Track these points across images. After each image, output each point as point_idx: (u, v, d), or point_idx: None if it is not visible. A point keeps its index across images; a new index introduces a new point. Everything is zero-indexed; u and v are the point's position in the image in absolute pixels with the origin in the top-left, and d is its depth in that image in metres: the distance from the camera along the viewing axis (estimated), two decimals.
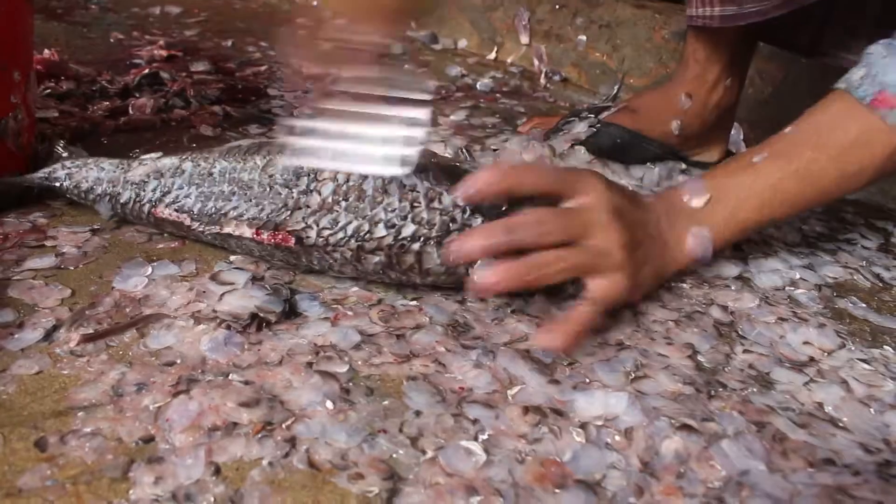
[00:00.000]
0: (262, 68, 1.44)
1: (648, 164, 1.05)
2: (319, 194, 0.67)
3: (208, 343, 0.61)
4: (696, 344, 0.68)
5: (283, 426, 0.53)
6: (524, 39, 1.61)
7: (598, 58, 1.49)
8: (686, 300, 0.75)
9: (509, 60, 1.65)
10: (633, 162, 1.05)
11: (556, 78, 1.54)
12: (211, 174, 0.72)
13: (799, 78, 1.26)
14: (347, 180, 0.67)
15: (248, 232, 0.69)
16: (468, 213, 0.66)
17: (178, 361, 0.59)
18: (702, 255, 0.72)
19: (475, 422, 0.55)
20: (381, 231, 0.65)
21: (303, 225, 0.66)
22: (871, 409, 0.61)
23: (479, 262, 0.63)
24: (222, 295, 0.66)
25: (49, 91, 1.15)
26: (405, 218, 0.65)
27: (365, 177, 0.66)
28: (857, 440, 0.57)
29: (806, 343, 0.69)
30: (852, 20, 0.94)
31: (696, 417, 0.57)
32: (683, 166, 1.07)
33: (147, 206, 0.74)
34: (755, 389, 0.62)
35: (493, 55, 1.67)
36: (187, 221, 0.72)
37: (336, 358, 0.60)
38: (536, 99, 1.44)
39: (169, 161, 0.75)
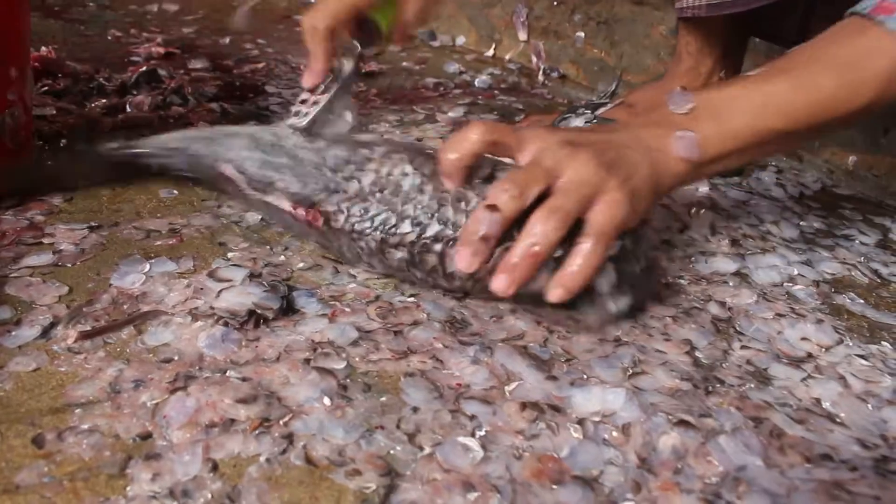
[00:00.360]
0: (260, 65, 1.43)
1: None
2: (359, 182, 0.68)
3: (206, 340, 0.61)
4: (693, 340, 0.68)
5: (281, 422, 0.53)
6: (522, 36, 1.61)
7: (596, 54, 1.49)
8: (684, 296, 0.75)
9: (507, 57, 1.64)
10: None
11: (555, 74, 1.54)
12: (279, 145, 0.75)
13: None
14: (390, 174, 0.67)
15: (286, 205, 0.71)
16: None
17: (176, 358, 0.59)
18: (689, 155, 0.68)
19: (472, 418, 0.55)
20: (405, 227, 0.65)
21: (335, 208, 0.68)
22: (869, 405, 0.61)
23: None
24: (220, 292, 0.66)
25: (46, 88, 1.14)
26: (431, 217, 0.65)
27: (406, 174, 0.67)
28: (854, 436, 0.57)
29: (804, 339, 0.69)
30: (835, 10, 0.95)
31: (693, 413, 0.57)
32: None
33: (215, 162, 0.77)
34: (753, 385, 0.62)
35: (491, 52, 1.67)
36: (241, 183, 0.75)
37: (333, 354, 0.60)
38: (534, 95, 1.43)
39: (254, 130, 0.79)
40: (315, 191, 0.69)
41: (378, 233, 0.66)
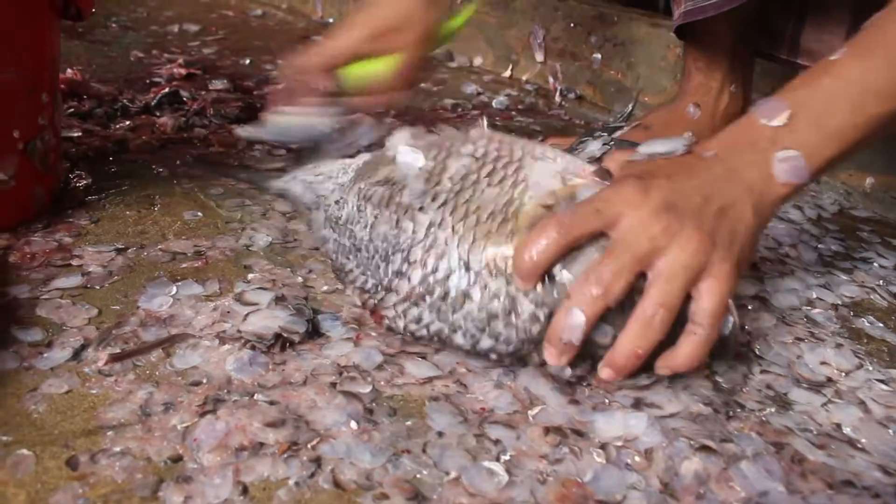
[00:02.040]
0: (280, 86, 1.45)
1: None
2: (409, 281, 0.63)
3: (233, 363, 0.62)
4: (713, 364, 0.68)
5: (309, 446, 0.54)
6: (539, 57, 1.62)
7: (612, 76, 1.50)
8: None
9: (524, 78, 1.66)
10: None
11: (572, 96, 1.55)
12: (339, 220, 0.70)
13: None
14: (436, 269, 0.63)
15: (358, 301, 0.69)
16: (544, 322, 0.61)
17: (205, 381, 0.60)
18: (796, 180, 0.62)
19: (497, 442, 0.56)
20: (459, 339, 0.63)
21: (393, 313, 0.65)
22: (890, 431, 0.61)
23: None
24: (246, 315, 0.67)
25: (72, 110, 1.17)
26: (482, 331, 0.62)
27: (452, 270, 0.62)
28: (875, 462, 0.57)
29: (823, 363, 0.70)
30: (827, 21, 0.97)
31: (714, 438, 0.58)
32: None
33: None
34: (773, 410, 0.63)
35: (508, 73, 1.68)
36: (332, 265, 0.72)
37: (359, 378, 0.61)
38: (552, 117, 1.44)
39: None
40: (374, 287, 0.66)
41: (434, 340, 0.65)
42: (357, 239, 0.67)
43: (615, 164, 0.66)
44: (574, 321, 0.57)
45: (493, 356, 0.63)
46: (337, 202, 0.71)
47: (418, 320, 0.63)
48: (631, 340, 0.57)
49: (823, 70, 0.65)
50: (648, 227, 0.57)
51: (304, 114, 0.85)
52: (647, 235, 0.57)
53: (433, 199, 0.64)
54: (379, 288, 0.65)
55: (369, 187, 0.68)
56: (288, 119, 0.86)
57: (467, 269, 0.61)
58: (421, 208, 0.64)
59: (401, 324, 0.64)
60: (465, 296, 0.61)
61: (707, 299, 0.58)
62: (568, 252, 0.59)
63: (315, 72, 0.85)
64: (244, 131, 0.91)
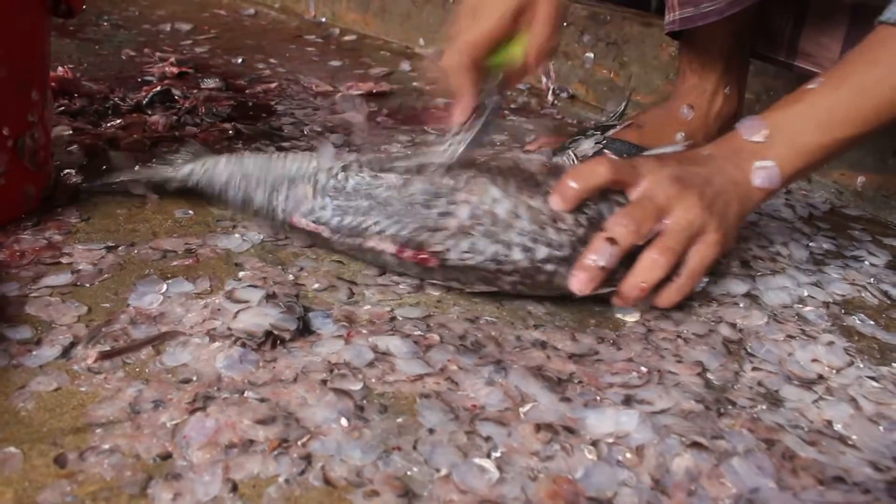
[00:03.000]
0: (273, 85, 1.45)
1: None
2: (456, 217, 0.70)
3: (224, 360, 0.61)
4: (705, 361, 0.68)
5: (299, 443, 0.54)
6: None
7: (605, 75, 1.50)
8: (695, 318, 0.75)
9: None
10: None
11: (564, 95, 1.55)
12: (344, 188, 0.75)
13: None
14: (482, 202, 0.71)
15: (390, 248, 0.72)
16: (587, 226, 0.71)
17: (194, 379, 0.60)
18: (769, 185, 0.74)
19: (488, 439, 0.56)
20: (517, 255, 0.70)
21: (443, 247, 0.70)
22: (881, 427, 0.61)
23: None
24: (237, 312, 0.67)
25: (63, 108, 1.16)
26: (536, 241, 0.70)
27: (496, 199, 0.71)
28: (866, 458, 0.58)
29: (814, 360, 0.70)
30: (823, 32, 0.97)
31: (706, 435, 0.58)
32: None
33: (281, 213, 0.78)
34: (764, 407, 0.63)
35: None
36: (325, 233, 0.76)
37: (350, 376, 0.61)
38: (544, 116, 1.45)
39: (300, 168, 0.79)
40: (415, 230, 0.71)
41: (492, 264, 0.70)
42: (381, 199, 0.73)
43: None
44: (609, 248, 0.69)
45: (550, 267, 0.70)
46: (335, 176, 0.76)
47: (472, 247, 0.70)
48: (638, 275, 0.71)
49: (800, 97, 0.76)
50: (666, 187, 0.72)
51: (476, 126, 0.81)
52: (665, 194, 0.71)
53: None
54: (422, 230, 0.71)
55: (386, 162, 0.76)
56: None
57: (508, 196, 0.71)
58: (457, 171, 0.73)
59: (454, 255, 0.70)
60: (514, 215, 0.70)
61: (694, 260, 0.72)
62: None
63: (465, 72, 0.80)
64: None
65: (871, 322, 0.78)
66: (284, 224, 0.79)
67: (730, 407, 0.62)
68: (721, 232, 0.72)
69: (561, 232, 0.70)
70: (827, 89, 0.74)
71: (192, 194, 0.86)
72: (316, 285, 0.74)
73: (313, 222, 0.76)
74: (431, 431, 0.56)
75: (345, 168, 0.77)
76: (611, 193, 0.73)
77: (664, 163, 0.74)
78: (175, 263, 0.77)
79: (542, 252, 0.70)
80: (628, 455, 0.55)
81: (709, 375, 0.66)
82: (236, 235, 0.83)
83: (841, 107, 0.73)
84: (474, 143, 0.78)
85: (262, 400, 0.57)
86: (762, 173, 0.74)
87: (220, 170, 0.83)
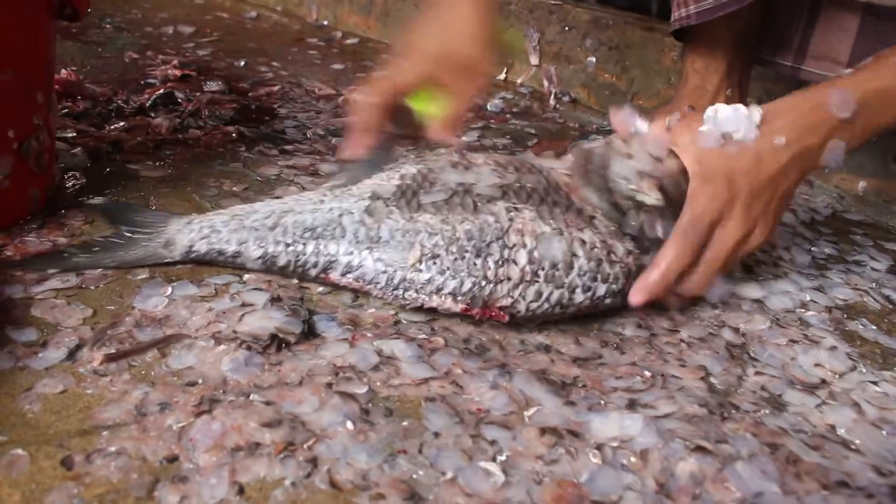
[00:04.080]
0: (275, 88, 1.45)
1: None
2: (516, 264, 0.68)
3: (229, 363, 0.61)
4: (708, 366, 0.68)
5: (305, 446, 0.54)
6: (534, 60, 1.62)
7: (607, 79, 1.50)
8: (698, 322, 0.75)
9: (519, 81, 1.66)
10: None
11: (566, 99, 1.55)
12: (379, 238, 0.71)
13: None
14: (537, 244, 0.69)
15: (455, 307, 0.69)
16: (636, 253, 0.72)
17: (200, 381, 0.60)
18: (834, 164, 0.73)
19: (493, 443, 0.56)
20: (579, 296, 0.70)
21: (511, 300, 0.68)
22: (884, 432, 0.62)
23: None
24: (242, 316, 0.67)
25: (66, 111, 1.16)
26: (595, 279, 0.70)
27: (548, 238, 0.69)
28: (869, 462, 0.58)
29: (817, 365, 0.70)
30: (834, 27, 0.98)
31: (710, 439, 0.58)
32: None
33: (313, 270, 0.73)
34: (768, 411, 0.63)
35: (503, 76, 1.69)
36: (374, 291, 0.71)
37: (355, 379, 0.61)
38: (546, 120, 1.45)
39: (315, 215, 0.73)
40: (475, 283, 0.68)
41: (557, 309, 0.70)
42: (426, 248, 0.69)
43: (687, 134, 0.73)
44: (663, 275, 0.70)
45: (609, 301, 0.71)
46: (363, 223, 0.72)
47: (538, 296, 0.68)
48: (688, 288, 0.72)
49: (876, 72, 0.73)
50: (718, 200, 0.70)
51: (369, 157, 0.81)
52: (718, 210, 0.70)
53: (500, 189, 0.73)
54: (484, 283, 0.68)
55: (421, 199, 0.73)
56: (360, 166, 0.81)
57: (560, 233, 0.69)
58: (490, 199, 0.72)
59: (522, 307, 0.68)
60: (572, 254, 0.69)
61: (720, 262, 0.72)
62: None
63: (373, 111, 0.81)
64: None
65: (874, 327, 0.78)
66: (318, 279, 0.73)
67: (733, 411, 0.62)
68: (765, 232, 0.72)
69: (615, 264, 0.71)
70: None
71: (193, 197, 0.86)
72: (320, 288, 0.74)
73: (355, 280, 0.71)
74: (437, 435, 0.56)
75: (369, 212, 0.72)
76: (644, 206, 0.73)
77: (705, 177, 0.70)
78: (179, 266, 0.77)
79: (601, 289, 0.70)
80: (633, 459, 0.56)
81: (712, 379, 0.67)
82: None
83: None
84: (363, 174, 0.78)
85: (267, 403, 0.58)
86: (832, 154, 0.72)
87: (223, 236, 0.75)
